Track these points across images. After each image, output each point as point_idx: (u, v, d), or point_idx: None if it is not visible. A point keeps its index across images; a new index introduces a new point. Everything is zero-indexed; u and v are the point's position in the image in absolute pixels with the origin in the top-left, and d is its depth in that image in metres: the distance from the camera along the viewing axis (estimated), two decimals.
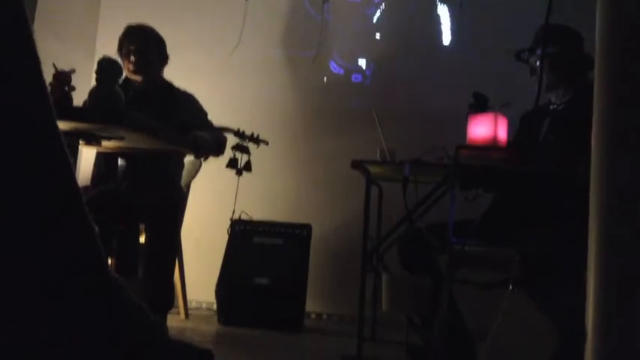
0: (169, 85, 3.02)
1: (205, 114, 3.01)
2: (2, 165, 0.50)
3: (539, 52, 2.49)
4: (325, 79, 3.93)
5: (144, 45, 2.89)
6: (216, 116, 3.04)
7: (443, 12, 3.81)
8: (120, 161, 2.84)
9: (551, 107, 2.55)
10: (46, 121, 0.54)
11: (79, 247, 0.57)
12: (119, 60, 2.73)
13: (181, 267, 3.13)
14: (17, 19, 0.53)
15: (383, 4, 3.93)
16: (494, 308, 1.87)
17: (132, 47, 2.88)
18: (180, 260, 3.11)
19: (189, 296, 3.28)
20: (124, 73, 2.84)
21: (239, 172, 3.10)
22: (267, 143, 3.14)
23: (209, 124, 2.96)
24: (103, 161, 2.87)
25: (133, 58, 2.88)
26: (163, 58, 2.99)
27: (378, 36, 3.91)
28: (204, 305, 3.70)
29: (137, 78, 2.91)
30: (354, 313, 2.56)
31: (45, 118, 0.53)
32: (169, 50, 3.00)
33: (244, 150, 3.09)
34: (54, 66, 2.19)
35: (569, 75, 2.48)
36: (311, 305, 3.39)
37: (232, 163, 3.08)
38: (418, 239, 2.42)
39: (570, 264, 2.08)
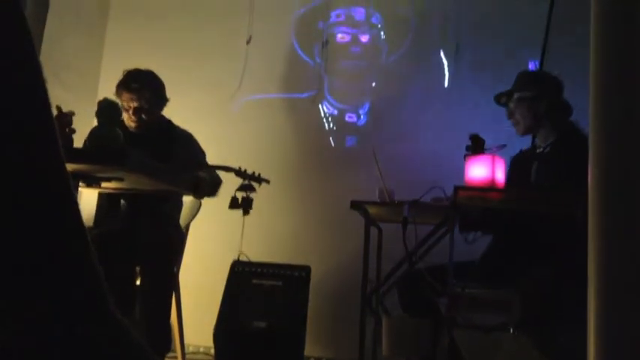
0: (168, 124, 3.02)
1: (204, 154, 3.02)
2: (9, 203, 0.51)
3: (516, 95, 2.56)
4: (323, 119, 3.97)
5: (142, 99, 2.85)
6: (216, 156, 3.06)
7: (440, 55, 3.88)
8: (122, 201, 2.84)
9: (538, 150, 2.59)
10: (54, 162, 0.55)
11: (83, 286, 0.57)
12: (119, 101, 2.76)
13: (179, 309, 3.10)
14: (32, 67, 0.55)
15: (383, 46, 4.00)
16: (494, 350, 1.85)
17: (131, 105, 2.84)
18: (178, 302, 3.08)
19: (186, 340, 3.24)
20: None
21: (246, 212, 3.07)
22: (268, 182, 3.15)
23: (207, 165, 2.97)
24: (106, 202, 2.87)
25: (133, 116, 2.85)
26: (162, 102, 2.97)
27: (375, 77, 3.97)
28: (201, 349, 3.64)
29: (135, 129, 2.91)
30: (355, 357, 2.53)
31: (53, 159, 0.55)
32: (171, 91, 3.01)
33: (251, 189, 3.08)
34: (59, 108, 2.21)
35: (548, 119, 2.53)
36: (310, 349, 3.34)
37: (235, 204, 3.07)
38: (418, 281, 2.41)
39: (570, 304, 2.07)
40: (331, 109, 3.97)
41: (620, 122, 0.94)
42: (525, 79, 2.62)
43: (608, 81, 0.95)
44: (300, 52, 4.05)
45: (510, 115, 2.60)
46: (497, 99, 2.68)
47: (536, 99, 2.52)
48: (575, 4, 1.97)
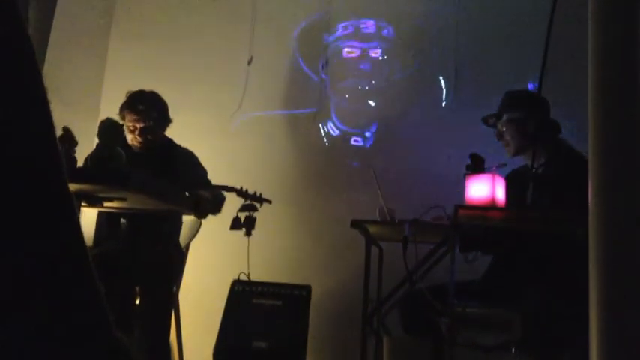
0: (170, 143, 3.04)
1: (205, 172, 3.03)
2: (9, 203, 0.51)
3: (504, 117, 2.57)
4: (325, 138, 3.98)
5: (149, 120, 2.86)
6: (218, 176, 3.07)
7: (440, 77, 3.90)
8: (122, 220, 2.84)
9: (533, 170, 2.59)
10: (53, 161, 0.55)
11: (85, 306, 0.57)
12: (120, 121, 2.76)
13: (178, 329, 3.08)
14: (31, 67, 0.55)
15: (394, 63, 3.98)
16: None
17: (137, 125, 2.85)
18: (178, 322, 3.06)
19: None
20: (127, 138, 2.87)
21: (248, 232, 3.07)
22: (269, 202, 3.15)
23: (209, 183, 2.98)
24: (106, 221, 2.87)
25: (139, 137, 2.86)
26: (166, 122, 2.98)
27: (381, 96, 3.98)
28: None
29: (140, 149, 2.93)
30: None
31: (53, 158, 0.55)
32: (173, 109, 3.02)
33: (253, 209, 3.08)
34: (67, 129, 2.20)
35: (537, 138, 2.53)
36: None
37: (237, 224, 3.06)
38: (419, 301, 2.40)
39: (571, 323, 2.06)
40: (336, 130, 3.95)
41: (619, 124, 0.94)
42: (512, 100, 2.63)
43: (607, 81, 0.96)
44: (303, 66, 4.02)
45: (499, 137, 2.61)
46: (485, 121, 2.69)
47: (525, 119, 2.53)
48: (575, 20, 1.99)
